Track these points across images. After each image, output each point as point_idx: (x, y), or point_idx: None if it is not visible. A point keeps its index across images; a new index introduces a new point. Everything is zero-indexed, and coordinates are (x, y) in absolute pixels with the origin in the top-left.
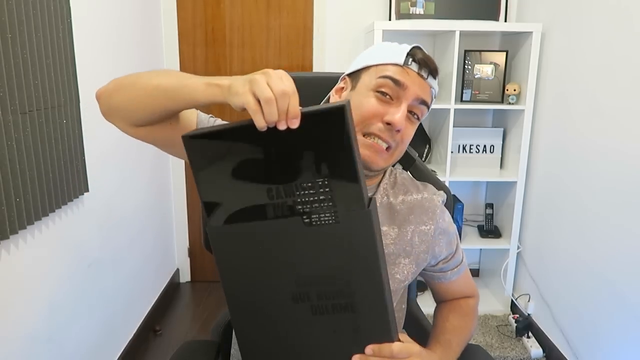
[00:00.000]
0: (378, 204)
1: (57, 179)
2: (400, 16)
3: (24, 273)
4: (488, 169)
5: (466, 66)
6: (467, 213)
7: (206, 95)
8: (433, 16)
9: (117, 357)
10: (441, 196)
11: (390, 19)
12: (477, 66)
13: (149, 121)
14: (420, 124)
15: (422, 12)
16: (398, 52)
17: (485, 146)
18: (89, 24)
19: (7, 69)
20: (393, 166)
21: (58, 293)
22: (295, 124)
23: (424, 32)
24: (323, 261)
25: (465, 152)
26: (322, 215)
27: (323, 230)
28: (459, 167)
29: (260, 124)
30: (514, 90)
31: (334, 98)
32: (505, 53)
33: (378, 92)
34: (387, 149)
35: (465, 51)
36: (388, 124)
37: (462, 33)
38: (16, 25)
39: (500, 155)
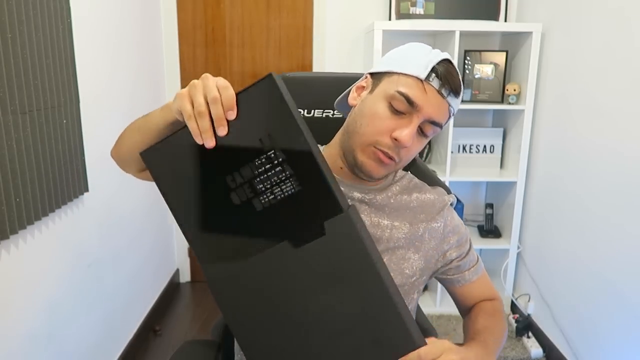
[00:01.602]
0: (392, 201)
1: (57, 179)
2: (400, 16)
3: (24, 273)
4: (488, 169)
5: (466, 66)
6: (467, 213)
7: (161, 117)
8: (433, 16)
9: (117, 357)
10: (452, 198)
11: (390, 19)
12: (477, 66)
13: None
14: None
15: (422, 12)
16: (423, 64)
17: (485, 146)
18: (89, 24)
19: (7, 69)
20: None
21: (58, 293)
22: (232, 115)
23: (424, 32)
24: (319, 279)
25: (465, 152)
26: (284, 186)
27: (312, 247)
28: (459, 167)
29: (194, 132)
30: (514, 90)
31: (354, 95)
32: (505, 53)
33: (392, 104)
34: (391, 159)
35: (465, 51)
36: (395, 139)
37: (462, 33)
38: (16, 25)
39: (500, 155)
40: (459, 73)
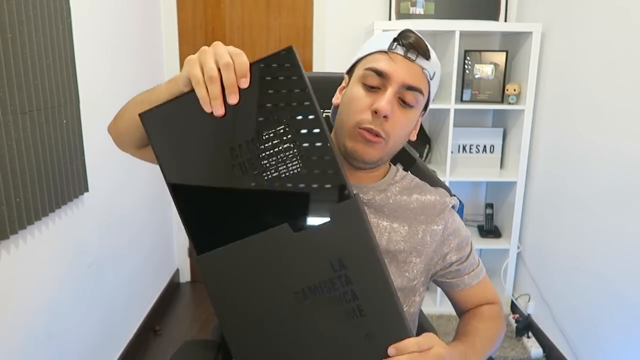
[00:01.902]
0: (391, 201)
1: (57, 178)
2: (400, 16)
3: (24, 273)
4: (488, 169)
5: (466, 66)
6: (467, 213)
7: (167, 91)
8: (433, 16)
9: (117, 357)
10: (454, 200)
11: (390, 19)
12: (477, 66)
13: (143, 136)
14: (420, 124)
15: (422, 12)
16: (385, 39)
17: (485, 146)
18: (89, 24)
19: (7, 69)
20: (394, 164)
21: (58, 293)
22: (244, 83)
23: (424, 32)
24: (317, 266)
25: (465, 152)
26: (290, 164)
27: (311, 231)
28: (459, 167)
29: (203, 99)
30: (514, 90)
31: (337, 96)
32: (505, 53)
33: (365, 84)
34: (378, 136)
35: (465, 51)
36: (375, 112)
37: (462, 33)
38: (16, 25)
39: (500, 155)
40: (426, 43)
